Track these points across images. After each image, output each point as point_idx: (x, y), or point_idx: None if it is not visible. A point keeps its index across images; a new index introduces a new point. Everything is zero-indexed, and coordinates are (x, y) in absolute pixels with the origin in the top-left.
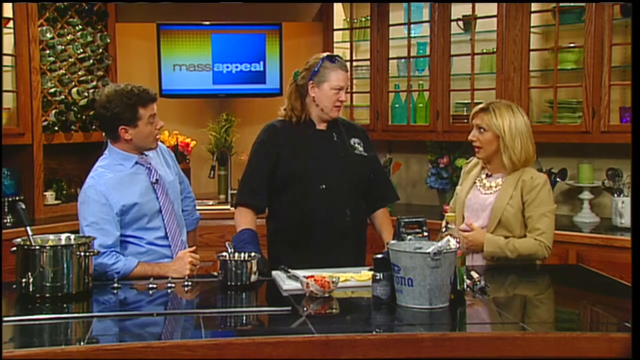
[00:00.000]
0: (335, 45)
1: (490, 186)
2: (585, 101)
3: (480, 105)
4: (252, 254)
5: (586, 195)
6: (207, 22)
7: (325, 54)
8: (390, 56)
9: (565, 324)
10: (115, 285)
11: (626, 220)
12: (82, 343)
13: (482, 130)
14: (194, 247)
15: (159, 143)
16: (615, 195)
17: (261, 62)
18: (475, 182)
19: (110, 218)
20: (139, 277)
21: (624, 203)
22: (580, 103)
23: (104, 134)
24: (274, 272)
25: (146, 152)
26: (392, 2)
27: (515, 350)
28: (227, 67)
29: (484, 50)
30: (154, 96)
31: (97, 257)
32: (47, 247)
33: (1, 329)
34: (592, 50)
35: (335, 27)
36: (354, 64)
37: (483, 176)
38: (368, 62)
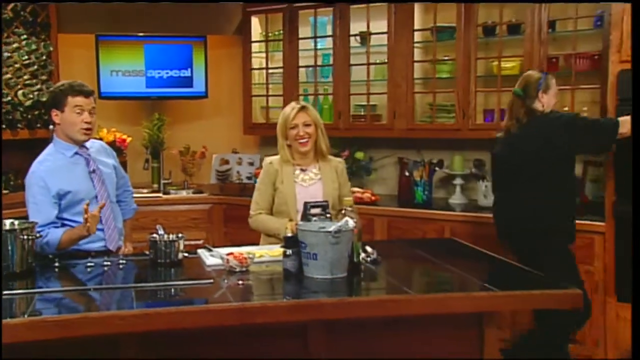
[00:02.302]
0: (253, 55)
1: (311, 178)
2: (457, 104)
3: (297, 107)
4: (179, 234)
5: (458, 181)
6: (141, 34)
7: (540, 72)
8: (300, 65)
9: (439, 286)
10: (57, 264)
11: (488, 201)
12: (25, 316)
13: (309, 124)
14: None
15: (102, 143)
16: (480, 181)
17: (189, 69)
18: (295, 180)
19: (48, 200)
20: (69, 244)
21: (487, 187)
22: (454, 106)
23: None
24: (199, 250)
25: (87, 146)
26: (302, 10)
27: (401, 310)
28: (159, 73)
29: (377, 61)
30: (85, 92)
31: None
32: None
33: (1, 328)
34: (461, 63)
35: (252, 39)
36: (270, 71)
37: (297, 172)
38: (281, 70)
